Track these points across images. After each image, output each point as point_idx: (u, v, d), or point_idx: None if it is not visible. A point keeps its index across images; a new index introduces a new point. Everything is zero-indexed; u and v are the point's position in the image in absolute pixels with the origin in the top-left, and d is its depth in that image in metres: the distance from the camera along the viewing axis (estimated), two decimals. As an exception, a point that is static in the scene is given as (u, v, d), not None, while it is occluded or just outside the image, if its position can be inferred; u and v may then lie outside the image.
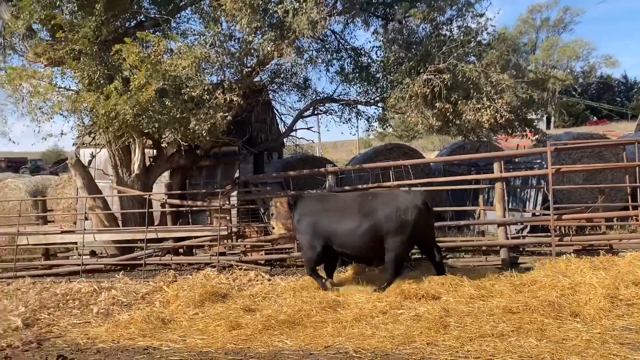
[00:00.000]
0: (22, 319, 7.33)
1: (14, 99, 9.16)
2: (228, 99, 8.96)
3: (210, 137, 9.26)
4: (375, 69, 11.26)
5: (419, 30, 10.45)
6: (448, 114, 9.52)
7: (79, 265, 10.34)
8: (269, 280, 9.04)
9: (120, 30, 10.54)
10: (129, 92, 8.39)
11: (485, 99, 9.71)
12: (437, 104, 9.42)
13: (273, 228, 10.08)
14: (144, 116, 8.51)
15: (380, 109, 12.84)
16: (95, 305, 8.11)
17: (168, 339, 6.40)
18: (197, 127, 8.69)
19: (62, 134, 9.37)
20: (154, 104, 8.31)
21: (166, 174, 11.89)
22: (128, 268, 10.48)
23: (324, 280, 8.21)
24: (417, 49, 9.86)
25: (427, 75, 9.32)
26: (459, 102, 9.80)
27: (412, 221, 7.68)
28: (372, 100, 11.76)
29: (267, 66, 10.45)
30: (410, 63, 9.58)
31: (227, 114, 9.04)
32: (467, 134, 10.58)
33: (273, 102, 14.13)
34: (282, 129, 14.58)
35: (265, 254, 10.20)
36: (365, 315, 6.71)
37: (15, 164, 44.55)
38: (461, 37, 10.32)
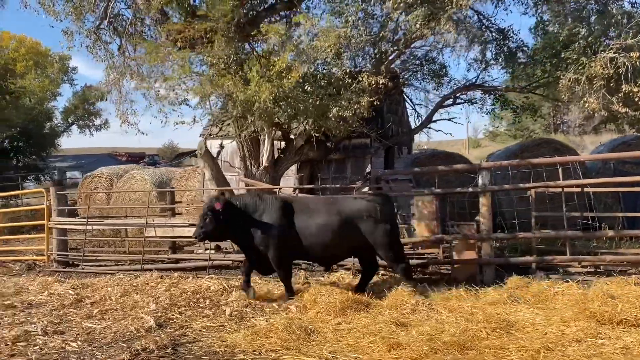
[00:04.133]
0: (155, 318, 6.81)
1: (147, 82, 8.86)
2: (374, 82, 7.97)
3: (350, 126, 8.36)
4: (542, 45, 9.68)
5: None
6: (636, 99, 7.87)
7: (206, 260, 9.88)
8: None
9: (251, 13, 9.95)
10: (268, 77, 7.67)
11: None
12: (624, 87, 7.82)
13: (414, 230, 8.99)
14: (282, 103, 7.77)
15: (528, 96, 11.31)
16: (227, 306, 7.46)
17: (316, 354, 5.50)
18: (340, 114, 7.80)
19: (194, 120, 8.91)
20: (295, 90, 7.53)
21: (293, 167, 11.20)
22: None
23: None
24: (596, 21, 8.29)
25: (611, 53, 7.75)
26: (645, 86, 8.12)
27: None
28: (530, 86, 10.25)
29: (412, 47, 9.33)
30: (589, 39, 8.04)
31: (373, 98, 8.08)
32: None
33: (406, 91, 12.94)
34: (413, 120, 13.39)
35: (405, 258, 9.10)
36: (554, 343, 5.41)
37: (134, 159, 47.50)
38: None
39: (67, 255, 11.32)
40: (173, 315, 7.08)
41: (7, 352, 5.76)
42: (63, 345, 5.99)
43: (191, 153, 17.68)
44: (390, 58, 9.23)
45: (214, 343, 5.99)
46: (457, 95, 11.56)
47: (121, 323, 6.74)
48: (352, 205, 7.51)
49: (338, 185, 10.22)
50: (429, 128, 12.08)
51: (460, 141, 62.22)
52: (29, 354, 5.71)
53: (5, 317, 7.22)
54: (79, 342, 6.08)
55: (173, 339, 6.14)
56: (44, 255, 11.62)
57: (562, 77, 8.37)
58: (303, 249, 7.52)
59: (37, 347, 5.92)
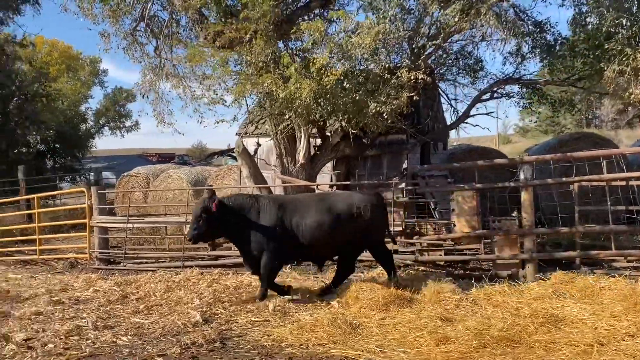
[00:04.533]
0: (200, 313, 6.92)
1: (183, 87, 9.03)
2: (413, 77, 7.95)
3: (389, 122, 8.35)
4: (583, 37, 9.51)
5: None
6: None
7: (245, 257, 9.97)
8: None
9: (285, 12, 10.01)
10: (307, 74, 7.72)
11: None
12: (670, 78, 7.67)
13: (454, 225, 8.93)
14: (321, 100, 7.81)
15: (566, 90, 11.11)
16: (270, 301, 7.55)
17: (363, 348, 5.52)
18: (378, 110, 7.81)
19: (234, 119, 9.03)
20: (335, 86, 7.57)
21: (329, 164, 11.23)
22: (295, 262, 9.90)
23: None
24: (638, 11, 8.12)
25: (658, 43, 7.59)
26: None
27: None
28: (570, 79, 10.08)
29: (449, 42, 9.26)
30: (634, 29, 7.87)
31: (412, 94, 8.06)
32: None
33: (441, 86, 12.86)
34: (448, 116, 13.29)
35: (445, 254, 9.07)
36: (606, 338, 5.34)
37: (165, 159, 48.23)
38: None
39: (109, 253, 11.57)
40: (217, 310, 7.17)
41: (62, 346, 5.92)
42: (114, 339, 6.13)
43: (223, 152, 17.85)
44: (427, 52, 9.19)
45: (261, 337, 6.06)
46: (495, 89, 11.45)
47: (168, 318, 6.87)
48: (341, 202, 7.48)
49: (374, 182, 10.20)
50: (466, 123, 11.99)
51: (489, 137, 61.20)
52: (83, 347, 5.86)
53: (56, 312, 7.42)
54: (129, 336, 6.22)
55: (220, 333, 6.23)
56: (85, 253, 11.89)
57: (605, 68, 8.21)
58: (298, 247, 7.49)
59: (90, 341, 6.06)
